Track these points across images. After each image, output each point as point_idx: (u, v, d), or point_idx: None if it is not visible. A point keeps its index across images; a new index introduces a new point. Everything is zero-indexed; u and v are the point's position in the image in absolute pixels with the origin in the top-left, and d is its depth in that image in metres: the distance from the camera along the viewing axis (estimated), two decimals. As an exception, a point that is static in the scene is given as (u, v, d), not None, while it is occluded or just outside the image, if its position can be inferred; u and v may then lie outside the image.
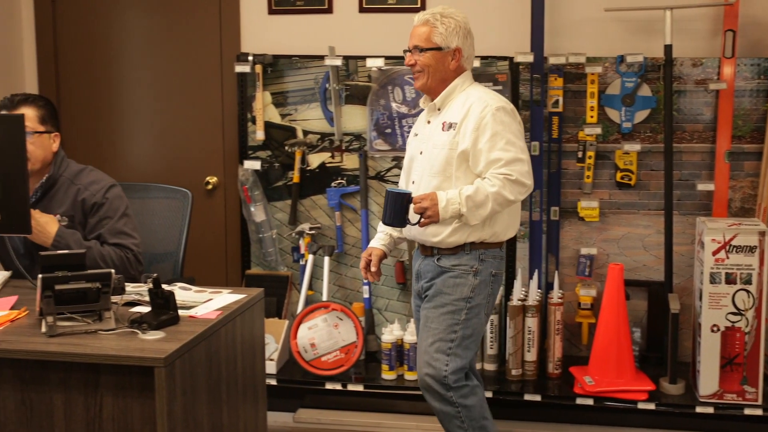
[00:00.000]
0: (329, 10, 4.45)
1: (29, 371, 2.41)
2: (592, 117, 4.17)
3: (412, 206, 3.06)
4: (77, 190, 3.22)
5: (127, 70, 4.74)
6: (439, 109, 3.25)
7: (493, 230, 3.20)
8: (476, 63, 4.16)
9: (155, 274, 2.60)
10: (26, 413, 2.43)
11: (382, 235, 3.43)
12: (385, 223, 3.13)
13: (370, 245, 3.44)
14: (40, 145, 3.17)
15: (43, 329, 2.48)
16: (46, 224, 3.05)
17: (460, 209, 3.04)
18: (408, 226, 3.17)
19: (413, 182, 3.27)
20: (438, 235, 3.18)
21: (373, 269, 3.36)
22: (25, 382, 2.42)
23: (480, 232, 3.18)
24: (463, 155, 3.12)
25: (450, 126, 3.16)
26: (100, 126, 4.79)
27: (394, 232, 3.41)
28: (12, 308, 2.70)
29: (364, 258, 3.39)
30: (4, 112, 3.14)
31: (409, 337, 4.14)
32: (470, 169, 3.13)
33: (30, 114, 3.14)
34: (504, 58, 4.23)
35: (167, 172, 4.65)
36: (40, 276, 2.47)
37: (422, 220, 3.05)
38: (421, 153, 3.25)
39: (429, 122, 3.29)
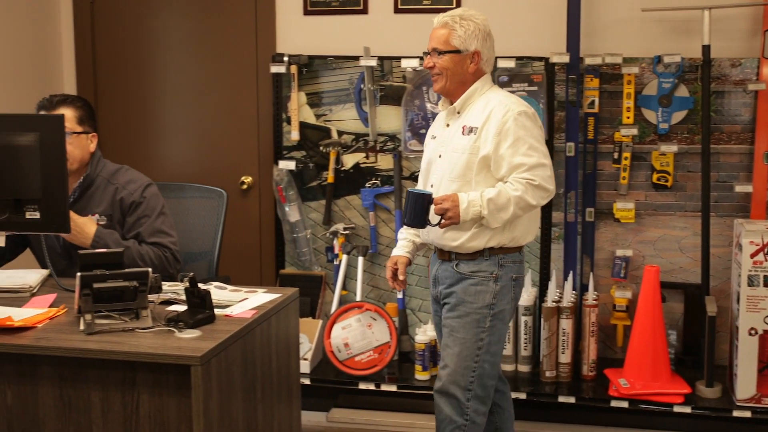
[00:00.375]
0: (364, 11, 4.45)
1: (68, 368, 2.44)
2: (628, 118, 4.14)
3: (432, 207, 3.02)
4: (115, 190, 3.25)
5: (164, 71, 4.79)
6: (458, 113, 3.19)
7: (512, 235, 3.14)
8: (511, 63, 4.16)
9: (191, 273, 2.61)
10: (64, 410, 2.46)
11: (404, 242, 3.39)
12: (405, 224, 3.09)
13: (393, 254, 3.39)
14: (78, 146, 3.20)
15: (82, 327, 2.51)
16: (84, 225, 3.09)
17: (481, 211, 3.00)
18: (426, 230, 3.15)
19: (432, 185, 3.20)
20: (457, 239, 3.13)
21: (401, 278, 3.33)
22: (64, 379, 2.45)
23: (500, 236, 3.11)
24: (484, 160, 3.07)
25: (470, 130, 3.10)
26: (136, 126, 4.83)
27: (416, 237, 3.36)
28: (51, 306, 2.74)
29: (390, 268, 3.35)
30: (43, 113, 3.18)
31: (443, 337, 4.13)
32: (491, 174, 3.08)
33: (68, 114, 3.16)
34: (539, 59, 4.22)
35: (203, 172, 4.68)
36: (78, 274, 2.50)
37: (442, 221, 3.01)
38: (440, 156, 3.20)
39: (448, 125, 3.22)
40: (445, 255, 3.21)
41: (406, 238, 3.38)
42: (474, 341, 3.14)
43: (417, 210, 3.00)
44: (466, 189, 3.08)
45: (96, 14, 4.79)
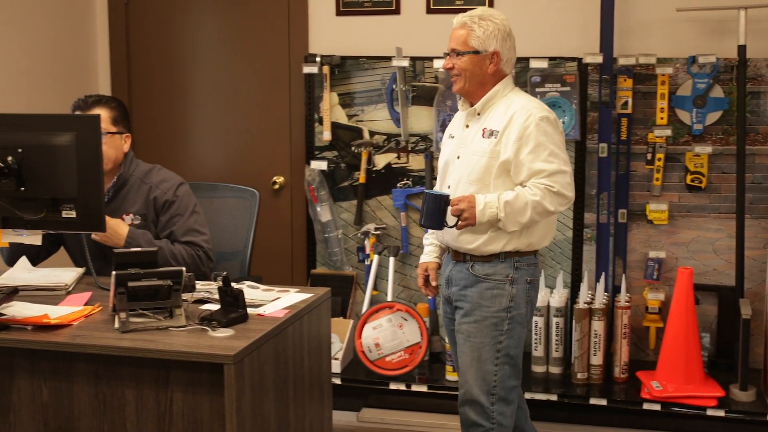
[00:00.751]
0: (397, 11, 4.46)
1: (103, 366, 2.47)
2: (662, 119, 4.11)
3: (449, 209, 3.00)
4: (149, 189, 3.28)
5: (197, 71, 4.82)
6: (478, 114, 3.14)
7: (529, 240, 3.11)
8: (544, 64, 4.15)
9: (225, 273, 2.63)
10: (99, 407, 2.49)
11: (431, 248, 3.37)
12: (421, 225, 3.07)
13: (422, 260, 3.38)
14: (112, 146, 3.23)
15: (116, 325, 2.53)
16: (117, 227, 3.12)
17: (497, 214, 2.96)
18: (445, 233, 3.14)
19: (449, 187, 3.17)
20: (472, 242, 3.08)
21: (433, 284, 3.33)
22: (99, 376, 2.48)
23: (516, 241, 3.08)
24: (503, 165, 3.03)
25: (491, 133, 3.06)
26: (170, 126, 4.87)
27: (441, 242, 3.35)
28: (86, 304, 2.76)
29: (422, 275, 3.35)
30: (78, 113, 3.21)
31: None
32: (510, 178, 3.05)
33: (103, 115, 3.18)
34: (572, 59, 4.20)
35: (235, 172, 4.70)
36: (114, 273, 2.52)
37: (459, 223, 2.97)
38: (458, 158, 3.16)
39: (467, 126, 3.17)
40: (460, 256, 3.17)
41: (432, 243, 3.37)
42: (492, 344, 3.12)
43: (434, 211, 2.98)
44: (484, 192, 3.04)
45: (130, 15, 4.84)
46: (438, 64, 4.25)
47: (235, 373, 2.34)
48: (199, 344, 2.41)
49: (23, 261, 3.10)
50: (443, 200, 2.97)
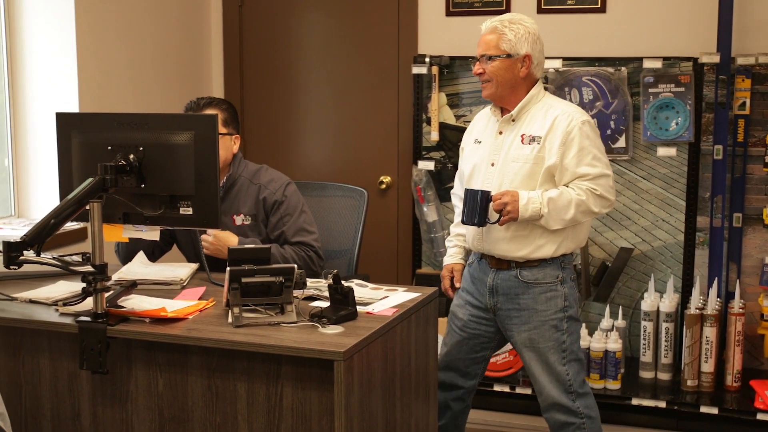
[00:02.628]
0: (507, 11, 4.41)
1: (216, 359, 2.53)
2: (781, 120, 3.99)
3: (491, 205, 3.02)
4: (258, 189, 3.35)
5: (308, 72, 4.89)
6: (513, 120, 3.16)
7: (576, 243, 3.19)
8: (658, 64, 4.07)
9: (335, 271, 2.66)
10: (212, 399, 2.55)
11: (456, 249, 3.42)
12: (464, 223, 3.09)
13: (447, 262, 3.43)
14: (222, 146, 3.28)
15: (230, 320, 2.59)
16: (226, 239, 3.20)
17: (541, 209, 2.99)
18: (484, 241, 3.19)
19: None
20: (521, 250, 3.13)
21: (458, 285, 3.37)
22: (212, 369, 2.54)
23: (567, 244, 3.14)
24: (549, 170, 3.06)
25: (532, 139, 3.09)
26: (281, 125, 4.95)
27: (464, 243, 3.38)
28: (200, 299, 2.84)
29: (447, 276, 3.40)
30: (191, 114, 3.30)
31: (583, 344, 4.07)
32: (554, 184, 3.08)
33: None
34: (688, 59, 4.10)
35: (342, 172, 4.75)
36: (228, 269, 2.59)
37: (501, 218, 3.00)
38: (492, 165, 3.17)
39: (501, 133, 3.18)
40: (504, 264, 3.20)
41: (456, 245, 3.43)
42: (557, 346, 3.18)
43: (476, 207, 3.02)
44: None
45: (244, 18, 4.93)
46: (549, 64, 4.20)
47: (345, 370, 2.36)
48: (310, 340, 2.45)
49: (141, 256, 3.20)
50: (485, 197, 3.02)
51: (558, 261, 3.17)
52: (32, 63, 4.00)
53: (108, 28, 4.16)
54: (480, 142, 3.26)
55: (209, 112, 3.28)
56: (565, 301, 3.19)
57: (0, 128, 4.02)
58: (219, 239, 3.20)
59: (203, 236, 3.20)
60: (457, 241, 3.43)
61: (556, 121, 3.07)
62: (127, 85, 4.32)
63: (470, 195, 3.04)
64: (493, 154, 3.17)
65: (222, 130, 3.29)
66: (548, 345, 3.18)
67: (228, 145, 3.34)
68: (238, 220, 3.33)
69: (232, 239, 3.22)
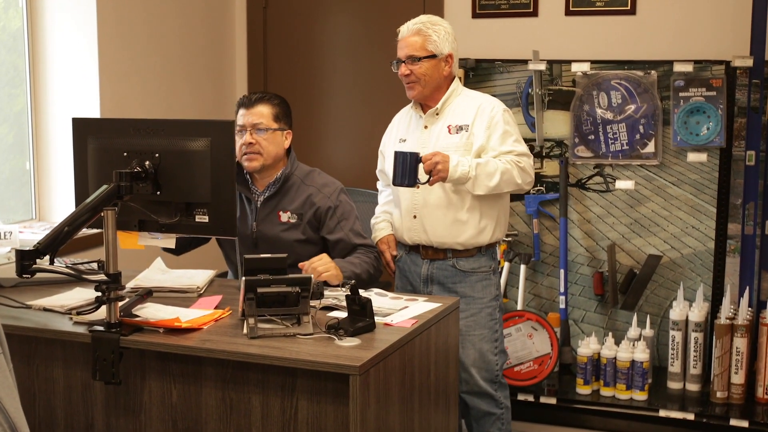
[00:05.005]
0: (534, 13, 4.37)
1: (230, 371, 2.48)
2: (816, 126, 3.88)
3: (421, 166, 3.10)
4: (309, 191, 3.31)
5: (332, 74, 4.85)
6: (437, 114, 3.34)
7: (503, 229, 3.39)
8: (689, 67, 4.02)
9: (353, 281, 2.61)
10: (226, 411, 2.50)
11: (385, 224, 3.50)
12: (395, 184, 3.16)
13: (380, 236, 3.47)
14: (273, 142, 3.27)
15: (245, 331, 2.54)
16: (334, 269, 3.09)
17: (469, 172, 3.11)
18: (421, 231, 3.31)
19: (418, 187, 3.24)
20: (460, 236, 3.28)
21: (395, 253, 3.45)
22: (226, 381, 2.49)
23: (499, 231, 3.34)
24: (477, 152, 3.23)
25: (459, 128, 3.29)
26: (304, 128, 4.89)
27: (390, 216, 3.47)
28: (216, 307, 2.79)
29: (387, 250, 3.44)
30: (242, 111, 3.28)
31: (607, 351, 4.00)
32: None
33: (265, 112, 3.27)
34: (719, 62, 4.01)
35: (368, 175, 4.67)
36: (243, 278, 2.54)
37: (432, 178, 3.09)
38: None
39: (426, 127, 3.34)
40: (440, 253, 3.34)
41: (385, 220, 3.51)
42: (491, 335, 3.36)
43: (406, 169, 3.10)
44: (458, 189, 3.23)
45: (268, 18, 4.90)
46: (576, 67, 4.15)
47: (360, 384, 2.31)
48: (326, 353, 2.39)
49: (158, 262, 3.17)
50: (415, 157, 3.11)
51: (490, 252, 3.37)
52: (54, 66, 3.99)
53: (131, 31, 4.14)
54: (405, 140, 3.39)
55: (260, 107, 3.27)
56: (497, 290, 3.40)
57: (21, 132, 4.01)
58: (332, 274, 3.05)
59: (314, 265, 3.06)
60: (384, 216, 3.52)
61: (480, 108, 3.28)
62: (150, 88, 4.29)
63: (401, 157, 3.12)
64: (421, 147, 3.28)
65: (272, 125, 3.27)
66: (483, 333, 3.34)
67: (279, 141, 3.30)
68: (284, 216, 3.29)
69: (336, 268, 3.10)
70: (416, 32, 3.29)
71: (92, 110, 3.94)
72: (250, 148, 3.23)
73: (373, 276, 3.26)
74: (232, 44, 4.95)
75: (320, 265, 3.04)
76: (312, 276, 2.60)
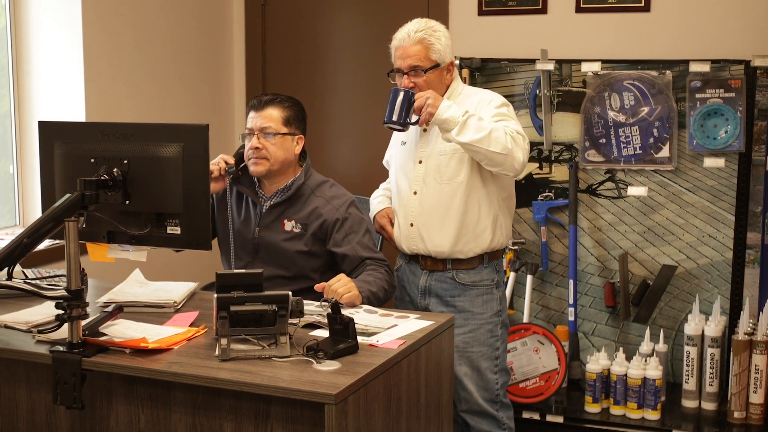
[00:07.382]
0: (543, 11, 4.22)
1: (201, 395, 2.31)
2: (841, 130, 3.68)
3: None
4: (318, 203, 3.18)
5: (332, 75, 4.74)
6: None
7: (503, 234, 3.21)
8: (706, 67, 3.89)
9: (334, 299, 2.43)
10: (197, 438, 2.33)
11: (382, 198, 3.44)
12: (385, 122, 3.04)
13: (379, 209, 3.39)
14: (281, 146, 3.14)
15: (217, 352, 2.37)
16: (355, 289, 2.90)
17: (459, 117, 2.93)
18: (419, 240, 3.19)
19: (414, 193, 3.18)
20: (458, 243, 3.14)
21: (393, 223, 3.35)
22: (197, 406, 2.33)
23: (500, 236, 3.19)
24: None
25: None
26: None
27: (389, 192, 3.40)
28: (191, 324, 2.62)
29: (387, 223, 3.34)
30: (252, 113, 3.17)
31: (617, 368, 3.81)
32: (481, 169, 3.08)
33: (274, 115, 3.14)
34: (739, 62, 3.86)
35: (369, 179, 4.52)
36: (215, 295, 2.37)
37: (422, 114, 2.96)
38: (420, 162, 3.19)
39: (425, 130, 3.19)
40: (439, 264, 3.21)
41: (382, 195, 3.45)
42: (490, 352, 3.22)
43: (397, 105, 2.99)
44: (458, 191, 3.11)
45: (267, 16, 4.79)
46: (587, 67, 3.99)
47: (337, 414, 2.13)
48: (301, 379, 2.22)
49: (136, 274, 3.01)
50: (408, 95, 3.00)
51: (493, 264, 3.23)
52: (38, 67, 3.88)
53: (118, 30, 4.03)
54: (405, 143, 3.29)
55: (270, 110, 3.15)
56: (499, 305, 3.25)
57: (4, 135, 3.89)
58: (349, 296, 2.85)
59: (333, 287, 2.85)
60: (385, 191, 3.46)
61: (480, 102, 3.13)
62: (141, 89, 4.16)
63: (393, 93, 3.01)
64: (420, 150, 3.21)
65: (282, 129, 3.15)
66: (482, 350, 3.21)
67: (288, 146, 3.17)
68: (288, 225, 3.16)
69: (355, 289, 2.89)
70: (419, 41, 3.12)
71: (77, 113, 3.82)
72: (256, 153, 3.12)
73: (388, 292, 3.09)
74: (230, 43, 4.85)
75: (340, 287, 2.85)
76: (290, 293, 2.42)
